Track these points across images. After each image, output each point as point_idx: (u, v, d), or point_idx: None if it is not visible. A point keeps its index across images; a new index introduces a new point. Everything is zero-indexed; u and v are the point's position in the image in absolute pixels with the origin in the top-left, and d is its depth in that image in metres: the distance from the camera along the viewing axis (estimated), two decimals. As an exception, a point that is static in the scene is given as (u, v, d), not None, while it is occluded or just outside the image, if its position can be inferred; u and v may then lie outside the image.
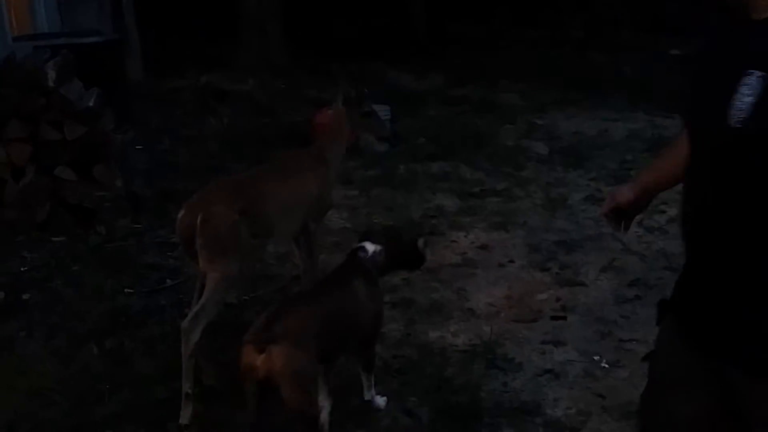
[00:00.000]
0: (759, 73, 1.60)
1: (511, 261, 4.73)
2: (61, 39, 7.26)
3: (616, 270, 4.60)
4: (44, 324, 3.99)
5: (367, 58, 10.87)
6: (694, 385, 1.82)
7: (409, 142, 7.12)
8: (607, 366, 3.59)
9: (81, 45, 6.94)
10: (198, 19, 11.78)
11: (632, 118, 7.83)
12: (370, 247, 3.17)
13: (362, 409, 3.25)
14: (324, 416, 2.91)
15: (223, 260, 3.21)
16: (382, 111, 5.48)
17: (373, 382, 3.25)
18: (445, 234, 5.15)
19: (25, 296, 4.33)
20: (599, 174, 6.40)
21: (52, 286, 4.45)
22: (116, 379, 3.49)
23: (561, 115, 8.34)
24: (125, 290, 4.37)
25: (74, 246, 4.98)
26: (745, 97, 1.60)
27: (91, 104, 5.38)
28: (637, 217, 5.08)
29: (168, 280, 4.50)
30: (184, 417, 3.12)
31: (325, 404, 2.93)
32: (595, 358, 3.65)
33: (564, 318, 4.04)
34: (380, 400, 3.22)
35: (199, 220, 3.18)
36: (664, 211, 5.39)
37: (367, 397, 3.24)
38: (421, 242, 3.35)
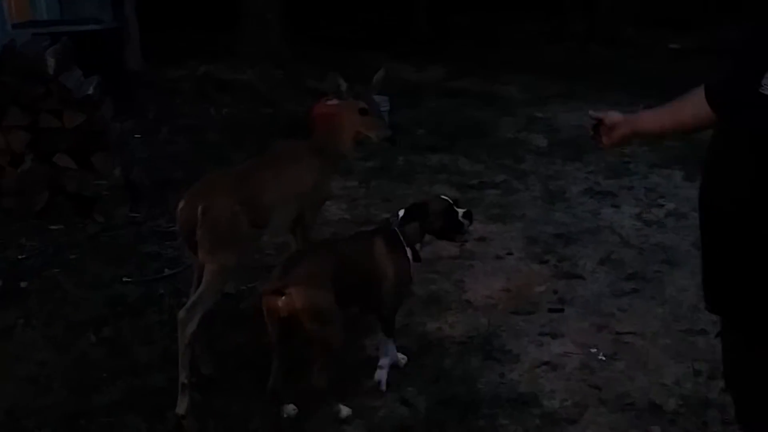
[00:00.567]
0: None
1: (510, 253, 4.73)
2: (60, 27, 7.24)
3: (614, 263, 4.60)
4: (42, 312, 3.99)
5: (367, 49, 10.85)
6: None
7: (408, 134, 7.12)
8: (604, 358, 3.59)
9: (80, 33, 6.92)
10: (198, 8, 11.74)
11: (632, 112, 7.79)
12: (402, 214, 3.36)
13: (359, 399, 3.25)
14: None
15: (222, 251, 3.22)
16: (382, 102, 5.46)
17: (387, 363, 3.31)
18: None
19: (23, 284, 4.34)
20: (598, 167, 6.40)
21: (50, 274, 4.45)
22: (114, 367, 3.50)
23: (561, 108, 8.33)
24: (123, 279, 4.37)
25: (72, 234, 4.98)
26: None
27: (90, 92, 5.35)
28: (635, 210, 5.18)
29: (166, 269, 4.50)
30: (181, 407, 3.12)
31: None
32: (592, 350, 3.65)
33: (561, 310, 4.04)
34: (344, 410, 3.16)
35: (199, 211, 3.18)
36: (662, 205, 5.41)
37: (376, 377, 3.32)
38: (461, 213, 3.38)
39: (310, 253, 3.34)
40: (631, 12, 12.50)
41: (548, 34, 12.58)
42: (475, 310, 4.05)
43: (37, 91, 5.09)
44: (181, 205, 3.29)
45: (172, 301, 4.03)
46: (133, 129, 6.63)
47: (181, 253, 4.61)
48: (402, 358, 3.48)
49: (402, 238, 3.30)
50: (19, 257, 4.70)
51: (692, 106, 2.10)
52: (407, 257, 3.30)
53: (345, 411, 3.15)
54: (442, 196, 3.49)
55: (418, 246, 3.35)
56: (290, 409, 3.13)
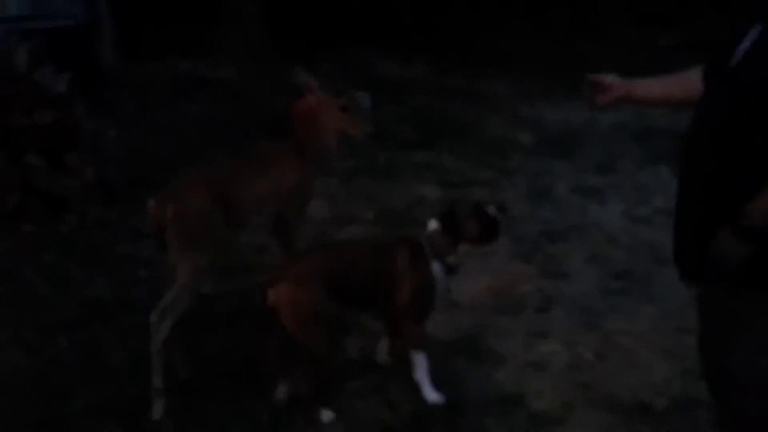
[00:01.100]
0: (760, 26, 2.05)
1: (495, 252, 4.66)
2: (32, 22, 7.08)
3: (601, 261, 4.55)
4: (13, 315, 3.91)
5: (350, 44, 10.76)
6: None
7: (392, 131, 7.03)
8: (591, 358, 3.55)
9: (52, 28, 6.78)
10: (176, 2, 11.58)
11: (619, 109, 7.74)
12: (432, 224, 3.21)
13: (342, 401, 3.20)
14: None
15: (193, 251, 3.16)
16: (364, 99, 5.36)
17: (424, 375, 3.19)
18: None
19: (-7, 286, 4.23)
20: (585, 164, 6.35)
21: (21, 275, 4.35)
22: (88, 371, 3.43)
23: (547, 105, 8.27)
24: (97, 281, 4.28)
25: (45, 235, 4.88)
26: (746, 44, 2.06)
27: (62, 90, 5.26)
28: (622, 208, 5.10)
29: (141, 271, 4.40)
30: (156, 412, 3.07)
31: None
32: (580, 350, 3.61)
33: (548, 310, 4.00)
34: (326, 415, 3.09)
35: (169, 211, 3.13)
36: (650, 202, 5.36)
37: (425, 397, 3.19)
38: (491, 209, 3.20)
39: (314, 252, 3.35)
40: (618, 7, 12.52)
41: (534, 30, 12.55)
42: (461, 310, 3.97)
43: (7, 88, 5.00)
44: (151, 203, 3.23)
45: (147, 304, 3.90)
46: (108, 127, 6.50)
47: (157, 254, 4.51)
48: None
49: (427, 251, 3.15)
50: (-10, 258, 4.59)
51: (686, 80, 2.35)
52: (430, 270, 3.13)
53: (327, 416, 3.08)
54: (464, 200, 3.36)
55: (452, 258, 3.16)
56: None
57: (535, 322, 3.87)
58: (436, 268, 3.14)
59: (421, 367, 3.19)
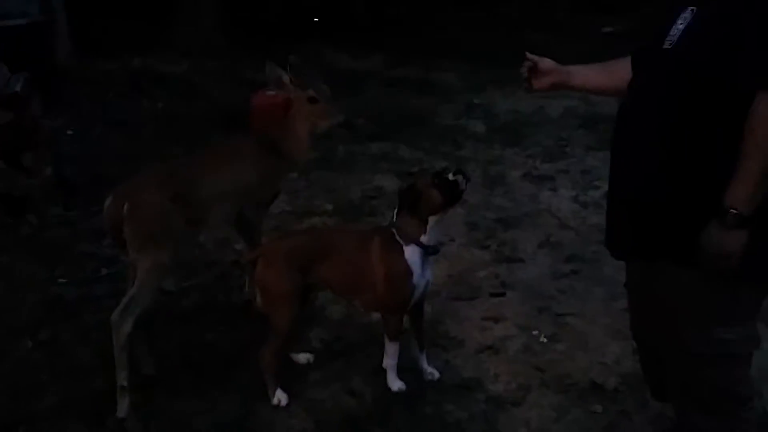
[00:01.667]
0: (692, 8, 2.10)
1: (451, 239, 4.76)
2: (-16, 21, 6.98)
3: (553, 245, 4.68)
4: (-26, 317, 3.86)
5: (305, 37, 10.75)
6: None
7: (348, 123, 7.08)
8: (545, 340, 3.65)
9: (6, 27, 6.69)
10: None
11: (567, 96, 7.90)
12: (396, 210, 3.14)
13: (306, 392, 3.25)
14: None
15: (153, 249, 3.12)
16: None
17: (393, 364, 3.24)
18: (385, 214, 5.15)
19: (-47, 289, 4.19)
20: (535, 151, 6.49)
21: (-19, 278, 4.30)
22: (52, 371, 3.42)
23: (498, 94, 8.40)
24: (59, 280, 4.27)
25: (4, 236, 4.82)
26: (679, 25, 2.11)
27: (18, 89, 5.19)
28: (572, 193, 5.23)
29: (103, 269, 4.40)
30: (121, 410, 3.06)
31: None
32: (534, 332, 3.71)
33: (503, 294, 4.09)
34: (281, 397, 3.17)
35: (125, 208, 3.09)
36: (598, 187, 5.50)
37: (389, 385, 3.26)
38: (450, 174, 3.02)
39: (290, 234, 3.46)
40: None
41: (484, 20, 12.66)
42: (419, 297, 4.06)
43: (-40, 89, 4.93)
44: (108, 201, 3.19)
45: (110, 302, 3.92)
46: (65, 125, 6.45)
47: (119, 252, 4.52)
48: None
49: (398, 237, 3.07)
50: (-52, 261, 4.54)
51: (619, 69, 2.39)
52: (403, 258, 3.05)
53: (282, 398, 3.15)
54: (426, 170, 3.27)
55: (424, 238, 3.06)
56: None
57: (491, 307, 3.95)
58: (411, 252, 3.05)
59: (392, 356, 3.23)
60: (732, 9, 2.01)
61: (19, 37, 6.61)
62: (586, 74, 2.57)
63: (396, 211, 3.13)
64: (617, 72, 2.40)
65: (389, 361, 3.24)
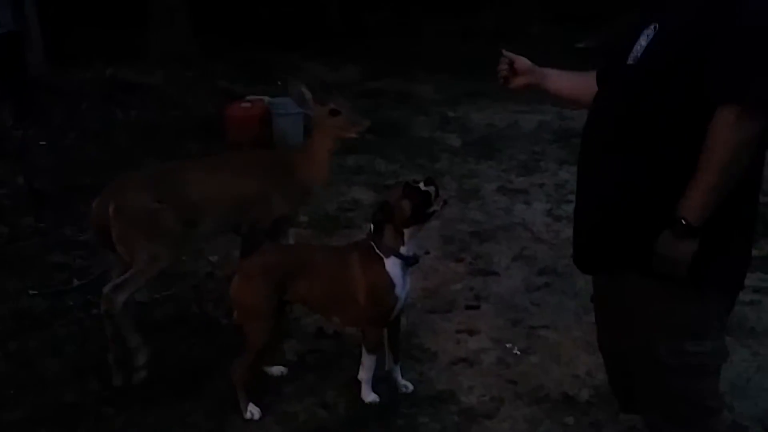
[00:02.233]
0: (654, 25, 2.12)
1: (426, 252, 4.77)
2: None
3: (527, 258, 4.71)
4: (-58, 329, 3.79)
5: (280, 48, 10.76)
6: None
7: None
8: (518, 353, 3.67)
9: (-23, 36, 6.57)
10: (103, 7, 11.35)
11: (541, 110, 8.01)
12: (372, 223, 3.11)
13: (279, 405, 3.24)
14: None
15: (146, 244, 3.18)
16: (291, 105, 5.40)
17: (369, 377, 3.23)
18: (361, 227, 5.16)
19: None
20: (510, 165, 6.54)
21: (-50, 288, 4.24)
22: (21, 383, 3.37)
23: (473, 108, 8.46)
24: (29, 291, 4.20)
25: (-26, 246, 4.76)
26: (642, 42, 2.13)
27: (-12, 99, 5.12)
28: (545, 206, 5.28)
29: (75, 280, 4.35)
30: (117, 379, 3.21)
31: None
32: (507, 345, 3.72)
33: (478, 307, 4.11)
34: (253, 412, 3.15)
35: (111, 209, 3.14)
36: (571, 201, 5.50)
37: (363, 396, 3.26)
38: (420, 184, 3.00)
39: (270, 249, 3.38)
40: (537, 8, 12.82)
41: (459, 33, 12.74)
42: (393, 309, 4.06)
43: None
44: (95, 202, 3.26)
45: (80, 313, 3.91)
46: (37, 135, 6.36)
47: (91, 263, 4.48)
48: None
49: (377, 249, 3.06)
50: None
51: (591, 83, 2.42)
52: (384, 270, 3.04)
53: (254, 412, 3.13)
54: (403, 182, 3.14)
55: (403, 249, 3.05)
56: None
57: (466, 320, 3.96)
58: (392, 264, 3.04)
59: (369, 369, 3.22)
60: (695, 22, 2.03)
61: (-10, 47, 6.50)
62: (560, 80, 2.62)
63: (371, 224, 3.11)
64: (590, 86, 2.42)
65: (365, 374, 3.24)
